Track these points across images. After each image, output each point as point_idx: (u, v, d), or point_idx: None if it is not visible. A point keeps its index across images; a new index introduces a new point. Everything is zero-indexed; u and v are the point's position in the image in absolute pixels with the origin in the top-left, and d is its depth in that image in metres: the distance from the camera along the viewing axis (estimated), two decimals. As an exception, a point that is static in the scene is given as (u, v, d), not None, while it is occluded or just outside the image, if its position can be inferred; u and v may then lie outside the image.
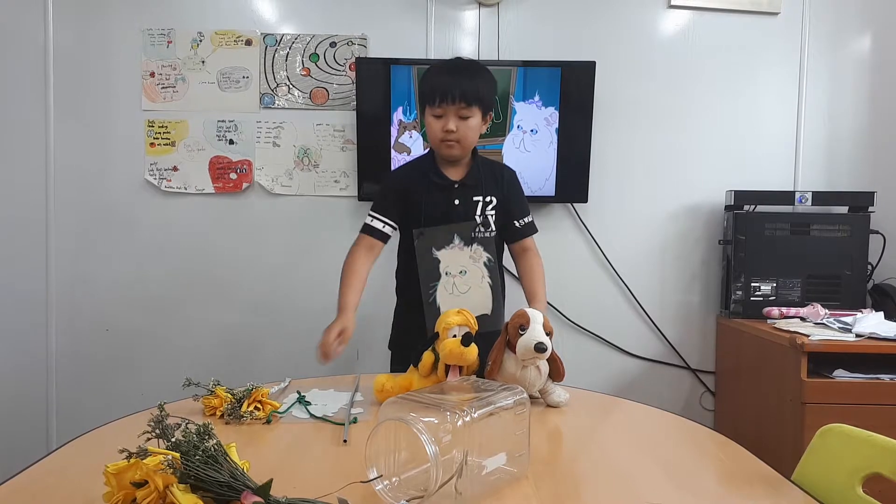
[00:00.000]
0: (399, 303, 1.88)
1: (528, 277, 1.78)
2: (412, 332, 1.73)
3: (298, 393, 1.41)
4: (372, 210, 1.76)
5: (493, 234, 1.75)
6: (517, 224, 1.79)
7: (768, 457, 1.08)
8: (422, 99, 1.70)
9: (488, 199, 1.74)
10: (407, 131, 2.46)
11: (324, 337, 1.54)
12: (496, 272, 1.77)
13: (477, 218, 1.73)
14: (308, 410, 1.30)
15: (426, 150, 1.76)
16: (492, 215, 1.75)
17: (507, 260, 1.86)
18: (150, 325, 2.59)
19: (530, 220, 1.82)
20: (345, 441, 1.12)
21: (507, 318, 1.40)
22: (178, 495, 0.73)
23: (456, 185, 1.73)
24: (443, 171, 1.74)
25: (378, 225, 1.74)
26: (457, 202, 1.73)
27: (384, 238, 1.75)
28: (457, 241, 1.72)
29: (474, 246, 1.73)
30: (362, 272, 1.71)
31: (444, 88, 1.62)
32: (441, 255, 1.73)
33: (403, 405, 0.89)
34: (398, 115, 2.46)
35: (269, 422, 1.24)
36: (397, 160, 2.47)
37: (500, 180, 1.78)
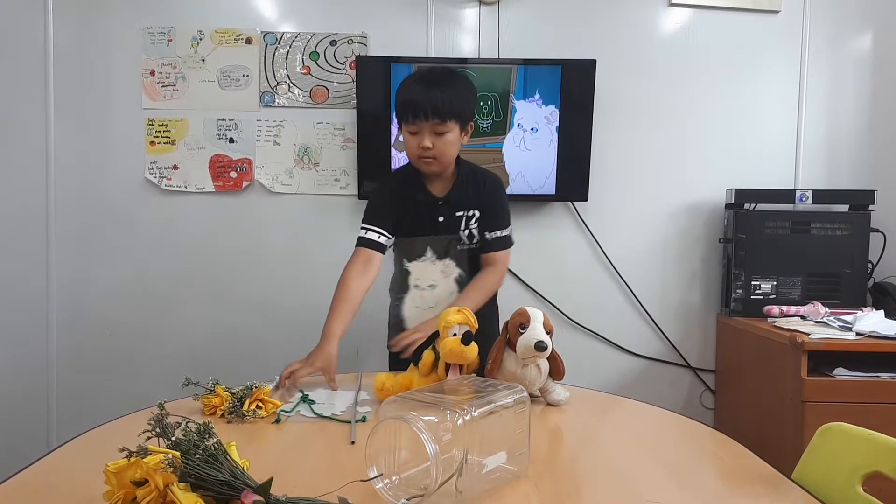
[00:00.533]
0: (391, 303, 1.87)
1: (470, 283, 1.71)
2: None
3: (301, 392, 1.41)
4: (364, 222, 1.71)
5: (473, 246, 1.72)
6: (487, 237, 1.72)
7: (768, 455, 1.08)
8: (398, 115, 1.65)
9: (471, 212, 1.70)
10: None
11: (290, 370, 1.48)
12: None
13: (462, 233, 1.70)
14: (313, 410, 1.30)
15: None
16: (475, 227, 1.71)
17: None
18: (150, 323, 2.59)
19: (505, 234, 1.74)
20: (353, 442, 1.11)
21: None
22: (179, 494, 0.73)
23: (440, 202, 1.70)
24: (427, 187, 1.70)
25: (373, 236, 1.68)
26: (441, 219, 1.70)
27: (381, 248, 1.69)
28: (429, 254, 1.69)
29: (447, 261, 1.70)
30: (355, 293, 1.62)
31: (416, 105, 1.56)
32: (412, 266, 1.71)
33: (403, 404, 0.89)
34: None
35: (278, 420, 1.24)
36: (397, 159, 2.47)
37: (482, 193, 1.72)
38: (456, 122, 1.60)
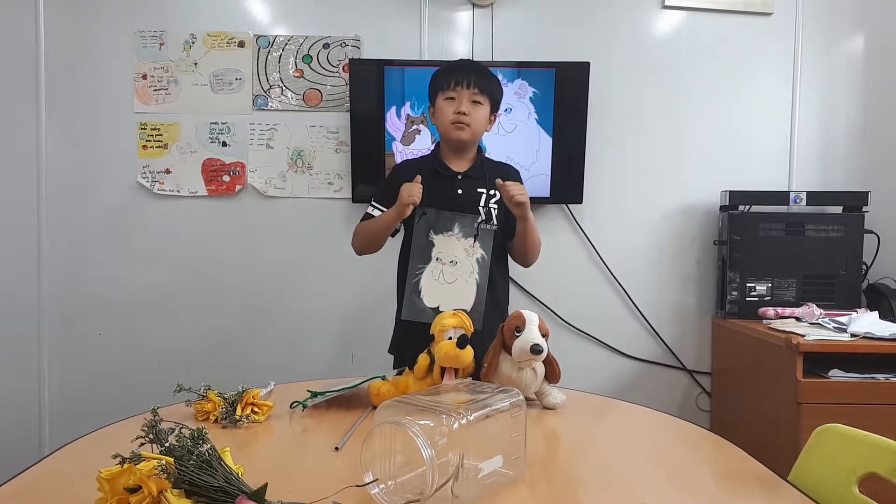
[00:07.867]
0: (409, 273, 1.86)
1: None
2: (415, 337, 1.72)
3: (309, 392, 1.39)
4: (373, 200, 1.79)
5: (494, 227, 1.75)
6: None
7: (764, 457, 1.08)
8: (434, 86, 1.75)
9: (492, 192, 1.76)
10: (415, 125, 2.45)
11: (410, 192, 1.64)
12: (487, 271, 1.74)
13: (480, 210, 1.74)
14: (325, 395, 1.34)
15: (432, 147, 1.81)
16: (494, 209, 1.76)
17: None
18: (142, 328, 2.57)
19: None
20: (337, 448, 1.10)
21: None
22: (173, 500, 0.72)
23: (459, 176, 1.75)
24: (447, 163, 1.77)
25: (376, 213, 1.76)
26: (459, 191, 1.75)
27: None
28: (456, 230, 1.72)
29: (472, 240, 1.73)
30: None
31: (460, 72, 1.70)
32: (437, 239, 1.73)
33: (399, 408, 0.89)
34: (405, 111, 2.45)
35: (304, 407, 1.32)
36: (393, 159, 2.46)
37: (504, 176, 1.77)
38: (488, 102, 1.72)
